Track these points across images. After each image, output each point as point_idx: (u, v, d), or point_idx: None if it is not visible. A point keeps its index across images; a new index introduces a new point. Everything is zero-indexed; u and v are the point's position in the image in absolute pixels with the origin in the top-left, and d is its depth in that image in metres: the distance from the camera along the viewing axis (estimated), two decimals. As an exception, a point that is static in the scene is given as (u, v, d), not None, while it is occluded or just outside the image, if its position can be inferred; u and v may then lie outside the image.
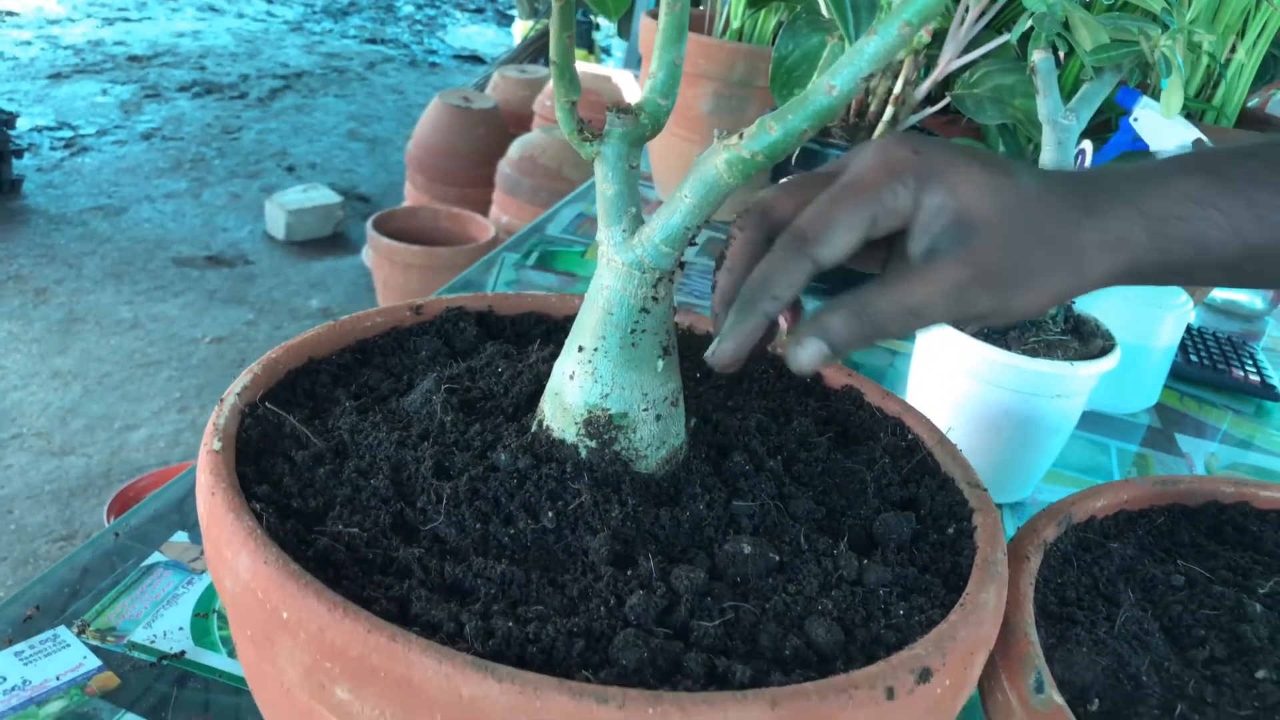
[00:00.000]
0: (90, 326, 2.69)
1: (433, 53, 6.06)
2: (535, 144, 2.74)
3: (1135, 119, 0.86)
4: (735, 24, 1.22)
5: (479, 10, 7.39)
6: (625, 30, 4.69)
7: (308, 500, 0.39)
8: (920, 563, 0.40)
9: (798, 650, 0.34)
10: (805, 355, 0.39)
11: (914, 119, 1.06)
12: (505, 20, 7.08)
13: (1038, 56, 0.70)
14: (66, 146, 3.83)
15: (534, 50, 4.32)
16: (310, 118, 4.56)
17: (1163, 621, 0.44)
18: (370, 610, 0.32)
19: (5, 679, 0.50)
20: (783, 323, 0.43)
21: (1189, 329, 1.13)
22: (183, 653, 0.53)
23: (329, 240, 3.35)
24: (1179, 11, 0.74)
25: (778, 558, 0.38)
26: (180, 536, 0.61)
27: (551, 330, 0.55)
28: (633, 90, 3.01)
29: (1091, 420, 0.93)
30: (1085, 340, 0.73)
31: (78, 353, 2.56)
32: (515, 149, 2.77)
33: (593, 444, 0.41)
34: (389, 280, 2.64)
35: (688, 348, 0.55)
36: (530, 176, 2.71)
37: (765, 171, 1.18)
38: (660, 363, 0.41)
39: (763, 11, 1.21)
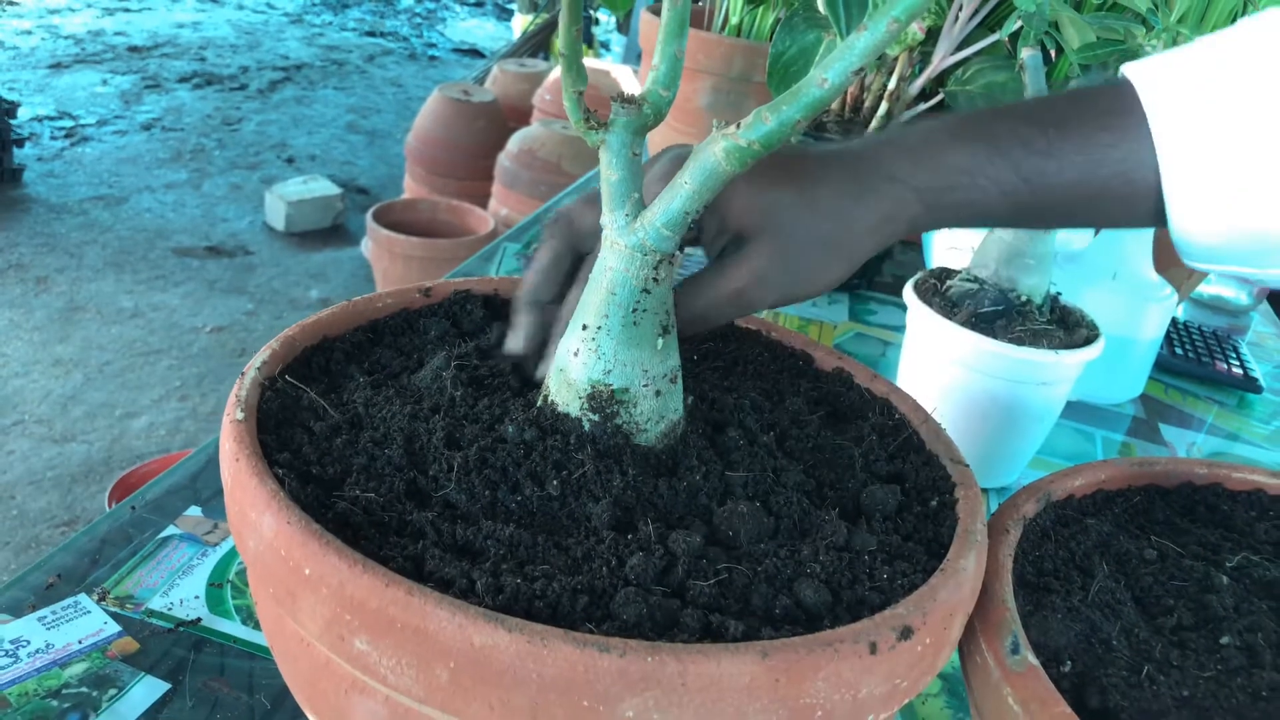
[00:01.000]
0: (91, 315, 2.70)
1: (432, 46, 6.08)
2: (534, 137, 2.76)
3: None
4: (734, 20, 1.24)
5: (478, 4, 7.40)
6: (625, 26, 4.71)
7: (326, 468, 0.41)
8: (904, 532, 0.43)
9: (787, 609, 0.37)
10: None
11: (908, 114, 1.08)
12: (505, 15, 7.09)
13: (1026, 54, 0.72)
14: (67, 136, 3.85)
15: (534, 44, 4.33)
16: (310, 110, 4.58)
17: (1134, 592, 0.46)
18: (387, 568, 0.34)
19: (29, 643, 0.52)
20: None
21: (1174, 322, 1.15)
22: (198, 620, 0.55)
23: (328, 232, 3.37)
24: (1164, 12, 0.76)
25: (772, 521, 0.41)
26: (194, 511, 0.63)
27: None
28: (631, 84, 3.03)
29: (1077, 410, 0.96)
30: (1070, 330, 0.75)
31: (79, 341, 2.58)
32: (514, 142, 2.79)
33: (595, 418, 0.43)
34: (388, 272, 2.66)
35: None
36: (529, 170, 2.73)
37: None
38: (660, 341, 0.43)
39: (761, 8, 1.24)
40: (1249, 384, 1.05)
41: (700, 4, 1.31)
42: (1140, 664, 0.41)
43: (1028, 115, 0.47)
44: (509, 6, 7.05)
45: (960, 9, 1.00)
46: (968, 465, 0.47)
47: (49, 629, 0.53)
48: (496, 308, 0.57)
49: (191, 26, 5.63)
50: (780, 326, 0.58)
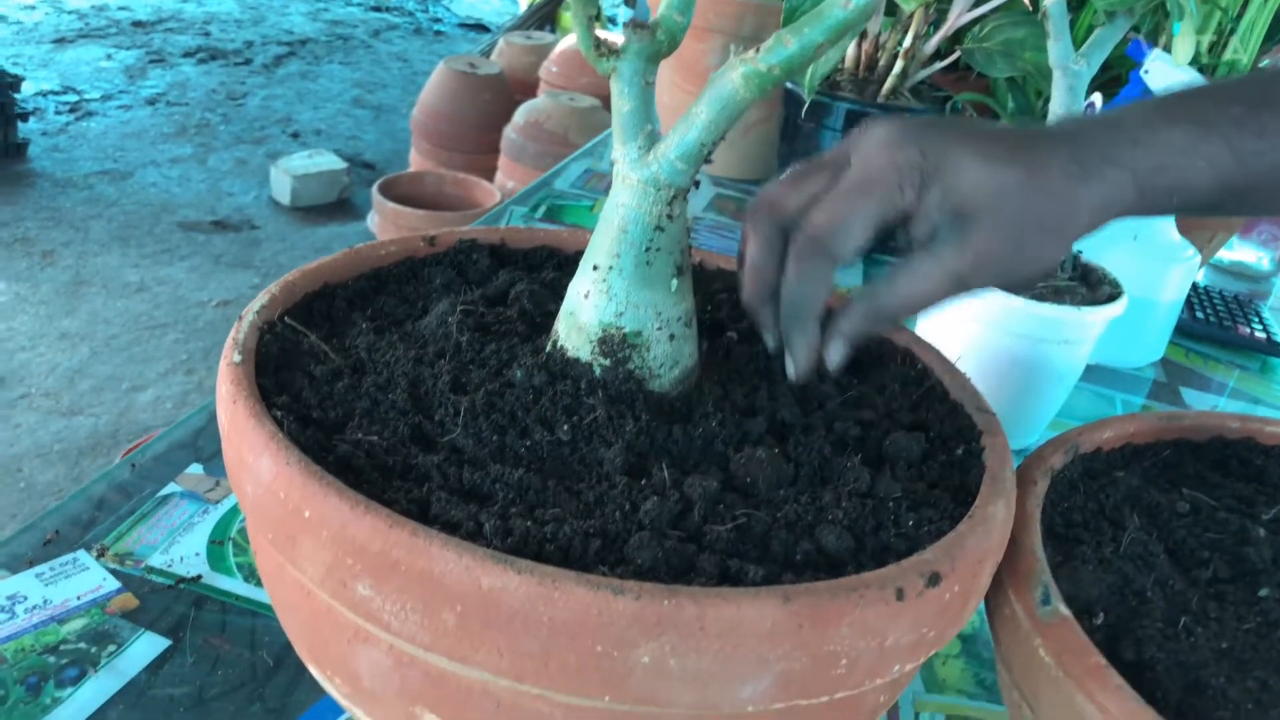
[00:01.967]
0: (97, 289, 2.69)
1: (438, 21, 6.03)
2: (541, 109, 2.73)
3: (1146, 71, 0.85)
4: (745, -21, 1.21)
5: (484, -22, 7.33)
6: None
7: (327, 411, 0.39)
8: (929, 479, 0.41)
9: (809, 555, 0.35)
10: (834, 359, 0.44)
11: (923, 74, 1.06)
12: (511, -11, 7.03)
13: (1050, 3, 0.70)
14: (71, 111, 3.83)
15: (540, 17, 4.29)
16: (315, 84, 4.55)
17: (1167, 544, 0.44)
18: (391, 510, 0.33)
19: (26, 598, 0.51)
20: None
21: (1195, 287, 1.13)
22: (199, 577, 0.54)
23: (334, 206, 3.35)
24: (1193, -42, 0.74)
25: (791, 467, 0.39)
26: (195, 469, 0.62)
27: (563, 264, 0.55)
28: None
29: (1097, 373, 0.94)
30: (1093, 287, 0.73)
31: (85, 315, 2.57)
32: (521, 114, 2.76)
33: (606, 362, 0.41)
34: (395, 245, 2.64)
35: (699, 282, 0.56)
36: (536, 142, 2.70)
37: (774, 158, 1.18)
38: (674, 282, 0.42)
39: (773, -34, 1.21)
40: (1271, 348, 1.03)
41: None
42: (1176, 616, 0.39)
43: (1236, 95, 0.46)
44: (515, -19, 6.98)
45: (978, -37, 0.97)
46: (994, 413, 0.45)
47: (47, 585, 0.52)
48: (503, 257, 0.55)
49: (195, 1, 5.58)
50: (797, 277, 0.56)
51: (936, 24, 1.05)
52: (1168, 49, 0.88)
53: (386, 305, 0.49)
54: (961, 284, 0.43)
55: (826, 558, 0.35)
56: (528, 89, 3.18)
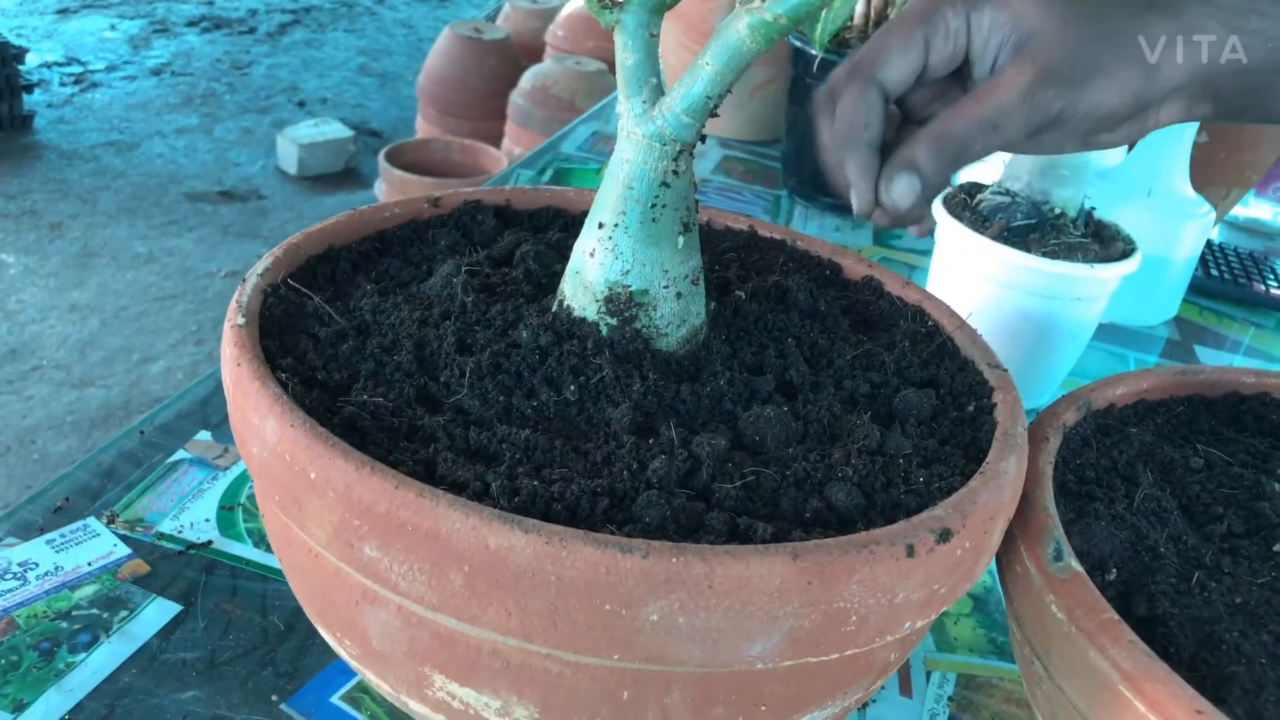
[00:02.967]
0: (106, 261, 2.70)
1: (442, -14, 5.97)
2: (548, 74, 2.71)
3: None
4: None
5: (488, -57, 7.25)
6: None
7: (332, 373, 0.39)
8: (940, 436, 0.41)
9: (818, 512, 0.35)
10: (897, 191, 0.41)
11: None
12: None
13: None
14: (76, 82, 3.81)
15: (545, -19, 4.24)
16: (320, 53, 4.52)
17: (1181, 500, 0.44)
18: (397, 471, 0.32)
19: (38, 565, 0.51)
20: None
21: (1209, 244, 1.12)
22: (210, 542, 0.54)
23: (341, 175, 3.34)
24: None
25: (800, 425, 0.39)
26: (204, 435, 0.62)
27: (569, 224, 0.55)
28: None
29: (1110, 332, 0.93)
30: (1106, 244, 0.72)
31: (94, 287, 2.57)
32: (527, 79, 2.74)
33: (613, 321, 0.41)
34: (402, 213, 2.63)
35: (707, 241, 0.55)
36: (542, 107, 2.68)
37: (782, 120, 1.16)
38: (681, 239, 0.41)
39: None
40: (1287, 305, 1.02)
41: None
42: (1190, 571, 0.39)
43: None
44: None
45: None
46: (1005, 370, 0.44)
47: (58, 552, 0.52)
48: (509, 218, 0.54)
49: (198, -30, 5.55)
50: (807, 236, 0.56)
51: (947, -21, 1.03)
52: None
53: (391, 267, 0.48)
54: (1032, 100, 0.39)
55: (836, 515, 0.35)
56: (534, 54, 3.15)
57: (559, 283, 0.43)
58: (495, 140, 2.89)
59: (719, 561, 0.30)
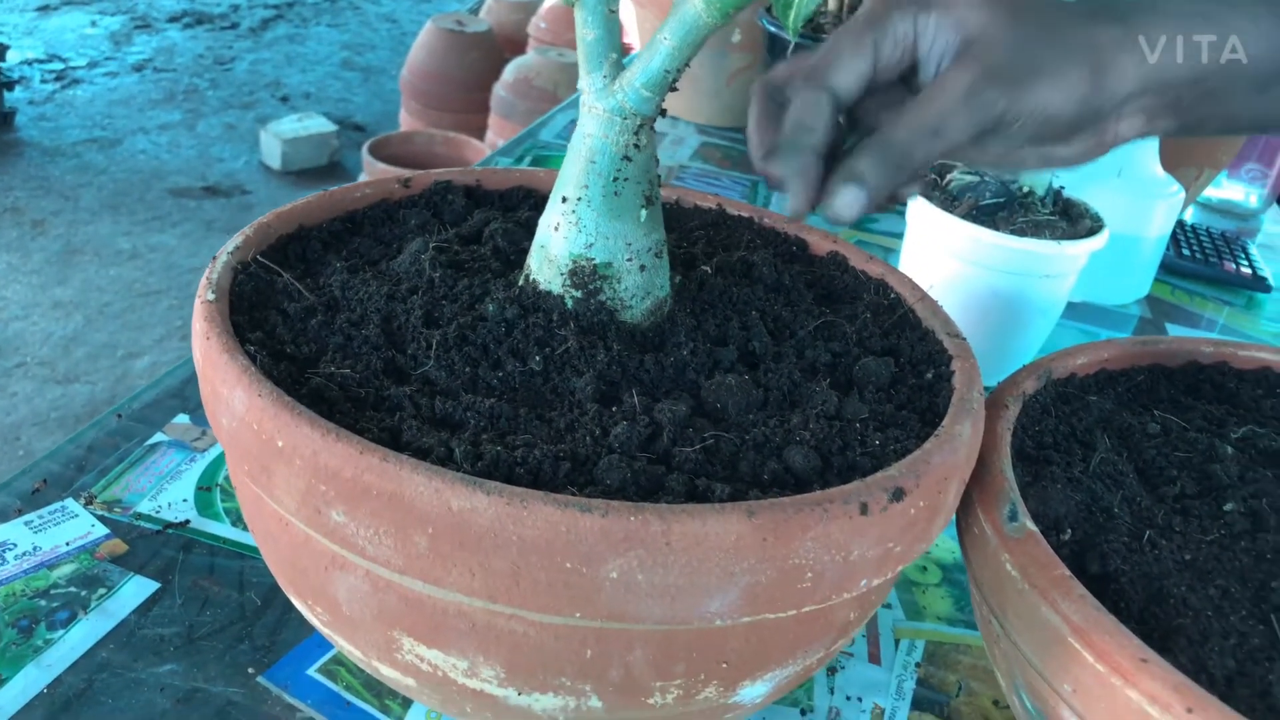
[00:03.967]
0: (89, 257, 2.69)
1: (425, -20, 5.95)
2: (530, 66, 2.71)
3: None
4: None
5: (472, -64, 7.23)
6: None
7: (300, 347, 0.40)
8: (898, 402, 0.41)
9: (776, 474, 0.36)
10: (841, 204, 0.40)
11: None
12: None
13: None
14: (57, 79, 3.79)
15: (528, -27, 4.23)
16: (303, 47, 4.50)
17: (1137, 464, 0.45)
18: (363, 438, 0.33)
19: (16, 545, 0.51)
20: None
21: (1181, 225, 1.13)
22: (187, 522, 0.54)
23: (325, 169, 3.33)
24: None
25: (760, 392, 0.39)
26: (182, 418, 0.62)
27: (539, 203, 0.55)
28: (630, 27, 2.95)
29: (1082, 311, 0.94)
30: (1074, 221, 0.74)
31: (78, 283, 2.57)
32: (510, 71, 2.74)
33: (578, 294, 0.42)
34: (386, 206, 2.63)
35: (675, 219, 0.56)
36: (525, 99, 2.68)
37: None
38: (643, 213, 0.42)
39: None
40: (1258, 283, 1.03)
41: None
42: (1142, 530, 0.40)
43: None
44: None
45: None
46: (964, 338, 0.45)
47: (36, 532, 0.52)
48: (479, 197, 0.55)
49: (180, -35, 5.52)
50: (773, 213, 0.57)
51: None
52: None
53: (361, 246, 0.49)
54: (975, 101, 0.38)
55: (793, 476, 0.36)
56: (516, 46, 3.15)
57: (525, 258, 0.44)
58: (478, 133, 2.89)
59: (676, 519, 0.31)
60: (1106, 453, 0.44)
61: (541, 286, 0.42)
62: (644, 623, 0.33)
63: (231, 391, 0.35)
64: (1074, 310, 0.93)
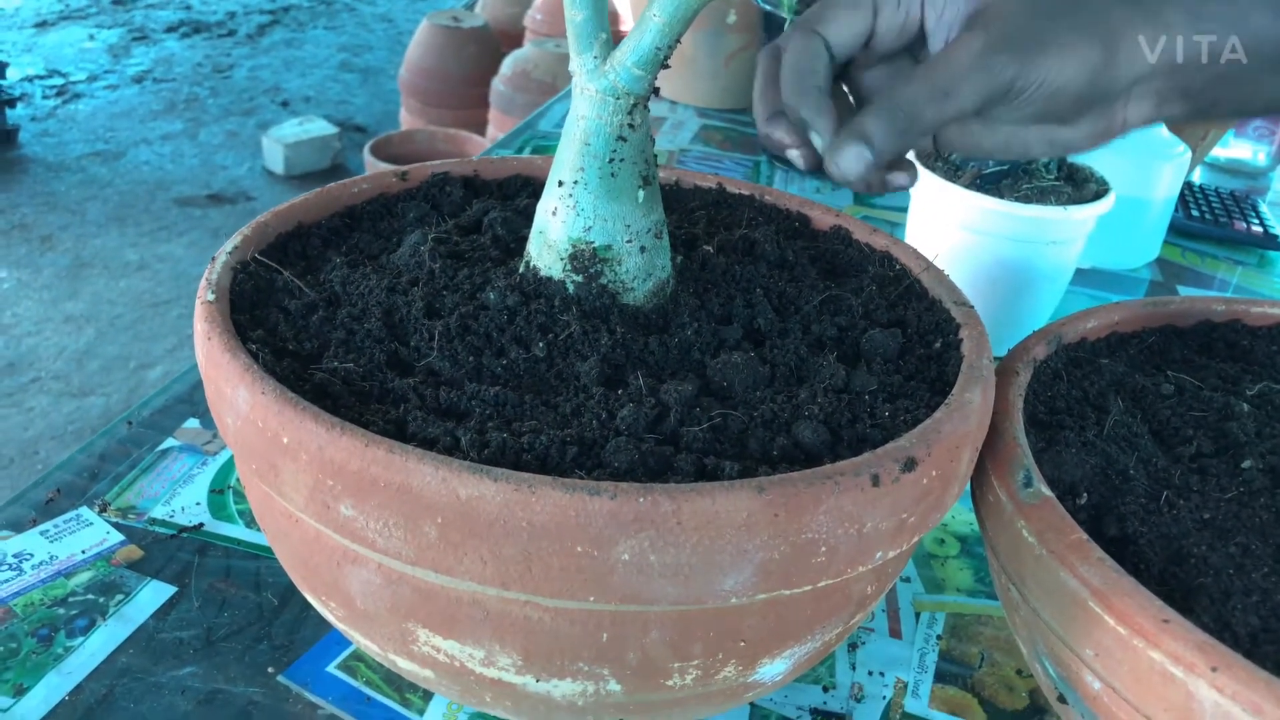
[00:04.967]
0: (98, 270, 2.70)
1: (420, -22, 5.95)
2: (528, 59, 2.70)
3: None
4: (718, -96, 1.19)
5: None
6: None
7: (302, 344, 0.39)
8: (906, 373, 0.41)
9: (785, 450, 0.35)
10: (845, 161, 0.39)
11: None
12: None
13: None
14: (59, 94, 3.80)
15: (521, -34, 4.22)
16: (301, 51, 4.50)
17: (1151, 425, 0.44)
18: (368, 431, 0.33)
19: (32, 555, 0.51)
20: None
21: (1189, 186, 1.12)
22: (201, 525, 0.55)
23: (328, 172, 3.33)
24: None
25: (767, 369, 0.39)
26: (192, 423, 0.62)
27: (537, 191, 0.55)
28: (625, 16, 2.94)
29: (1091, 276, 0.93)
30: (1079, 186, 0.73)
31: (88, 296, 2.57)
32: (508, 65, 2.73)
33: (579, 278, 0.41)
34: (390, 206, 2.63)
35: (675, 199, 0.56)
36: (524, 92, 2.67)
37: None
38: (641, 193, 0.41)
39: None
40: (1269, 241, 1.02)
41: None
42: (1159, 491, 0.39)
43: None
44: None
45: None
46: (971, 306, 0.45)
47: (51, 542, 0.52)
48: (477, 188, 0.55)
49: (174, -25, 5.52)
50: (775, 190, 0.56)
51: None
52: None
53: (361, 241, 0.49)
54: (985, 66, 0.38)
55: (803, 451, 0.35)
56: (513, 39, 3.14)
57: (524, 246, 0.44)
58: (479, 128, 2.88)
59: (686, 498, 0.31)
60: (1120, 415, 0.44)
61: (542, 272, 0.42)
62: (659, 604, 0.32)
63: (235, 390, 0.35)
64: (1083, 276, 0.92)
